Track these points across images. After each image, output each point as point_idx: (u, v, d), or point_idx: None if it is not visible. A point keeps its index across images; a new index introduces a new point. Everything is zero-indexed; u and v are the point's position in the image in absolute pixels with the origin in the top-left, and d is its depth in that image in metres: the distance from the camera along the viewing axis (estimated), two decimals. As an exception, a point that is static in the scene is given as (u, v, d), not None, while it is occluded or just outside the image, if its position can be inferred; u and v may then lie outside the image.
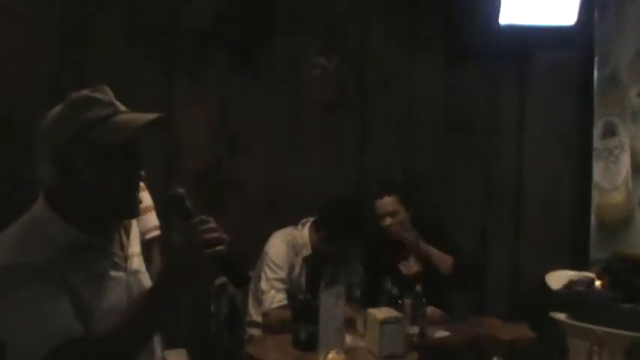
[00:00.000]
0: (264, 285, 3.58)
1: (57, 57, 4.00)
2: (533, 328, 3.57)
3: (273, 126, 4.34)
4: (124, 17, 4.08)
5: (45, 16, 3.98)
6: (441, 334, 3.47)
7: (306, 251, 3.70)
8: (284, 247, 3.65)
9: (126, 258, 1.88)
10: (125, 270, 1.85)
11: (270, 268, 3.60)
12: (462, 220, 4.48)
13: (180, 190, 1.77)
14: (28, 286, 1.62)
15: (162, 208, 2.64)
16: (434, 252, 3.87)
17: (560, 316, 3.86)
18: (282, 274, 3.60)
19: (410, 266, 3.98)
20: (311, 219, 3.77)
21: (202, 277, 1.71)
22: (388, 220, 3.88)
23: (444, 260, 3.86)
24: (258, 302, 3.63)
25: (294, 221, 3.81)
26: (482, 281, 4.57)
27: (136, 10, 4.10)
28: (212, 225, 1.67)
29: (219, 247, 1.65)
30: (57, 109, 1.78)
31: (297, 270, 3.67)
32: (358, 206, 3.81)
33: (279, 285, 3.57)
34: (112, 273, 1.81)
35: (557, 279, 4.07)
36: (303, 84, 4.36)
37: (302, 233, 3.74)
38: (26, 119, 3.83)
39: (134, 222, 1.97)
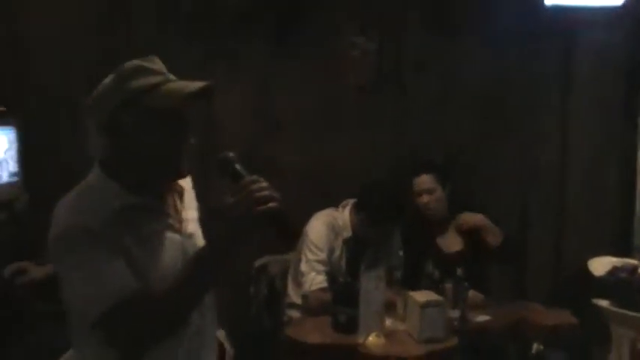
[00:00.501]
0: (304, 267, 3.56)
1: (93, 38, 4.04)
2: (576, 314, 3.52)
3: (311, 106, 4.33)
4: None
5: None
6: (482, 318, 3.43)
7: (347, 233, 3.67)
8: (324, 228, 3.62)
9: (180, 221, 1.95)
10: (180, 232, 1.93)
11: (311, 250, 3.57)
12: (501, 203, 4.42)
13: (231, 154, 1.81)
14: (85, 249, 1.71)
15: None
16: (487, 221, 3.83)
17: (603, 302, 3.83)
18: (323, 255, 3.57)
19: (449, 244, 3.94)
20: (351, 201, 3.74)
21: (253, 236, 1.73)
22: (425, 198, 3.84)
23: (495, 232, 3.80)
24: (298, 284, 3.62)
25: (331, 202, 3.78)
26: (522, 265, 4.51)
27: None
28: (263, 184, 1.71)
29: (270, 204, 1.68)
30: (108, 78, 1.85)
31: (337, 252, 3.64)
32: (399, 190, 3.77)
33: (319, 267, 3.55)
34: (167, 234, 1.89)
35: (600, 265, 4.03)
36: (341, 65, 4.32)
37: (342, 215, 3.71)
38: (65, 98, 3.98)
39: (189, 188, 2.04)
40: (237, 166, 1.79)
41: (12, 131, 3.73)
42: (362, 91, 4.38)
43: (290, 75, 4.29)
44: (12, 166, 3.71)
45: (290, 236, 1.82)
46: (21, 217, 3.70)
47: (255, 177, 1.73)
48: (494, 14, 4.34)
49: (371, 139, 4.39)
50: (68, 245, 1.74)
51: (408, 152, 4.42)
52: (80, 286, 1.73)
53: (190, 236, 1.95)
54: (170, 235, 1.89)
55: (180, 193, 1.99)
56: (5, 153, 3.65)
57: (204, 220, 2.06)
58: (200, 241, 1.98)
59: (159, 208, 1.91)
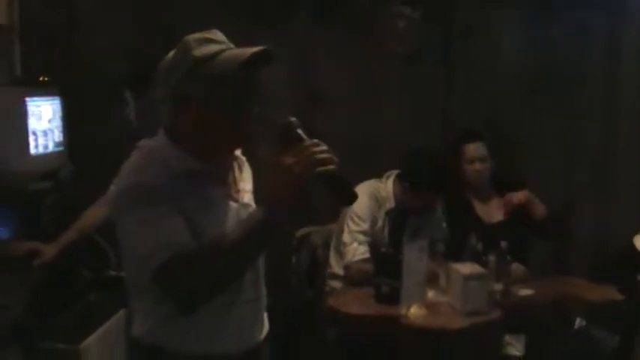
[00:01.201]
0: (346, 237, 3.55)
1: (141, 12, 4.09)
2: (621, 291, 3.48)
3: (355, 78, 4.31)
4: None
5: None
6: (525, 292, 3.41)
7: (389, 204, 3.65)
8: (367, 199, 3.60)
9: (238, 191, 2.00)
10: (237, 201, 1.97)
11: (353, 221, 3.56)
12: (546, 177, 4.37)
13: (293, 119, 1.84)
14: (146, 205, 1.77)
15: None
16: (531, 196, 3.83)
17: (649, 280, 3.76)
18: (365, 226, 3.56)
19: (491, 214, 3.92)
20: (395, 172, 3.71)
21: (309, 199, 1.75)
22: (478, 165, 3.84)
23: (539, 205, 3.82)
24: (340, 255, 3.61)
25: (376, 174, 3.76)
26: (567, 240, 4.46)
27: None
28: (324, 147, 1.75)
29: (329, 166, 1.72)
30: (174, 49, 1.91)
31: (379, 223, 3.62)
32: (442, 157, 3.75)
33: (362, 238, 3.54)
34: (226, 201, 1.94)
35: (646, 241, 3.96)
36: (386, 35, 4.28)
37: (386, 186, 3.69)
38: (111, 70, 4.02)
39: (246, 162, 2.09)
40: (299, 131, 1.81)
41: (57, 101, 3.76)
42: (407, 62, 4.33)
43: (335, 45, 4.26)
44: (57, 135, 3.74)
45: (349, 198, 1.82)
46: (65, 186, 3.74)
47: (316, 140, 1.76)
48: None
49: (415, 111, 4.34)
50: (130, 200, 1.80)
51: (453, 123, 4.39)
52: (139, 239, 1.78)
53: (246, 206, 1.98)
54: (228, 202, 1.94)
55: (241, 164, 2.05)
56: (50, 122, 3.68)
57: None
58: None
59: (219, 176, 1.95)
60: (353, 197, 1.81)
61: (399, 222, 3.66)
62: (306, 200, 1.75)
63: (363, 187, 3.64)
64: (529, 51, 4.41)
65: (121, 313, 3.23)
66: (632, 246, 3.98)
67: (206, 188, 1.88)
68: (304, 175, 1.70)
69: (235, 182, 2.00)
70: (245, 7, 4.21)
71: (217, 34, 1.92)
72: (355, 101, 4.32)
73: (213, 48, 1.86)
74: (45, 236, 3.33)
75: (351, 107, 4.32)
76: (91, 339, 3.06)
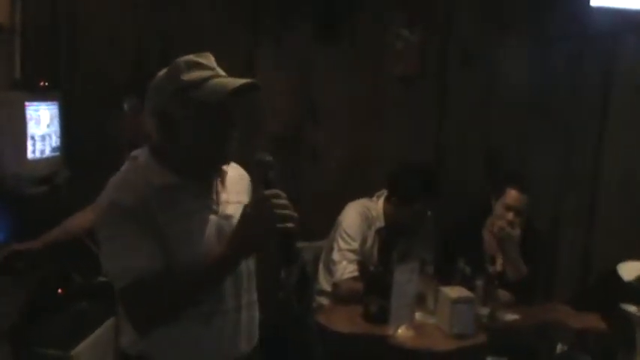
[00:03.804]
0: (336, 255, 3.59)
1: (143, 20, 4.10)
2: (604, 319, 3.53)
3: (353, 95, 4.34)
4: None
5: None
6: (511, 317, 3.45)
7: (379, 223, 3.69)
8: (358, 218, 3.65)
9: (219, 203, 2.03)
10: (216, 213, 2.01)
11: (343, 239, 3.60)
12: (536, 202, 4.42)
13: (269, 158, 1.90)
14: (118, 225, 1.86)
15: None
16: (514, 255, 3.73)
17: (631, 308, 3.82)
18: (355, 245, 3.60)
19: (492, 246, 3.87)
20: (386, 191, 3.75)
21: (264, 248, 1.89)
22: (511, 216, 3.72)
23: (518, 268, 3.72)
24: (329, 272, 3.65)
25: (370, 191, 3.81)
26: (552, 266, 4.51)
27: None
28: (284, 201, 1.81)
29: (288, 224, 1.78)
30: (164, 70, 1.98)
31: (369, 242, 3.66)
32: (429, 169, 3.80)
33: (351, 256, 3.57)
34: (203, 214, 1.99)
35: (630, 269, 4.02)
36: (385, 55, 4.33)
37: (376, 205, 3.73)
38: (112, 77, 4.04)
39: (238, 173, 2.17)
40: (271, 173, 1.87)
41: (55, 106, 3.78)
42: (405, 83, 4.37)
43: (334, 63, 4.30)
44: (54, 140, 3.77)
45: (292, 261, 1.87)
46: (61, 191, 3.77)
47: (278, 191, 1.82)
48: (541, 13, 4.32)
49: (410, 132, 4.38)
50: (106, 219, 1.89)
51: (448, 146, 4.44)
52: (109, 259, 1.89)
53: (228, 218, 2.01)
54: (206, 215, 1.99)
55: (223, 177, 2.07)
56: (48, 127, 3.70)
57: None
58: None
59: (199, 190, 2.00)
60: (296, 260, 1.87)
61: (389, 241, 3.70)
62: (263, 246, 1.86)
63: (354, 206, 3.69)
64: (525, 77, 4.46)
65: (112, 320, 3.25)
66: (616, 273, 4.04)
67: (185, 202, 1.94)
68: (261, 229, 1.80)
69: (217, 194, 2.04)
70: (246, 18, 4.24)
71: (209, 59, 1.98)
72: (352, 117, 4.36)
73: (202, 74, 1.92)
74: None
75: (348, 124, 4.36)
76: (82, 345, 3.08)
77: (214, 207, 2.02)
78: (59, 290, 3.34)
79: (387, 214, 3.71)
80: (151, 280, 1.81)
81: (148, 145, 2.01)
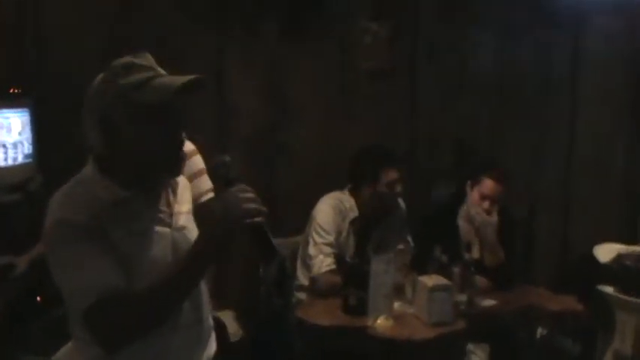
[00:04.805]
0: (312, 250, 3.60)
1: (111, 24, 4.09)
2: (581, 300, 3.56)
3: (323, 91, 4.36)
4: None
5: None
6: (489, 302, 3.47)
7: (354, 214, 3.70)
8: (331, 211, 3.65)
9: (172, 215, 1.95)
10: (170, 226, 1.94)
11: (318, 233, 3.61)
12: (511, 188, 4.45)
13: (226, 158, 1.83)
14: (73, 244, 1.74)
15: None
16: (492, 241, 3.74)
17: (608, 289, 3.87)
18: (330, 238, 3.60)
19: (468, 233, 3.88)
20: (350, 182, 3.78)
21: (235, 245, 1.77)
22: (487, 204, 3.73)
23: (496, 255, 3.74)
24: (307, 267, 3.65)
25: (342, 185, 3.82)
26: (529, 250, 4.56)
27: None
28: (251, 195, 1.74)
29: (256, 219, 1.72)
30: (102, 74, 1.87)
31: (344, 234, 3.67)
32: (380, 144, 3.82)
33: (327, 249, 3.58)
34: (157, 228, 1.90)
35: (606, 252, 4.07)
36: (354, 50, 4.35)
37: (349, 196, 3.74)
38: (81, 82, 4.02)
39: (182, 182, 2.05)
40: (231, 172, 1.81)
41: (27, 113, 3.77)
42: (375, 77, 4.40)
43: (303, 60, 4.32)
44: (26, 147, 3.75)
45: (270, 255, 1.80)
46: (34, 198, 3.75)
47: (243, 186, 1.76)
48: (507, 3, 4.36)
49: (382, 125, 4.41)
50: (58, 238, 1.77)
51: (420, 138, 4.46)
52: (67, 280, 1.77)
53: (181, 229, 1.97)
54: (160, 228, 1.91)
55: (174, 187, 2.00)
56: (20, 134, 3.69)
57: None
58: (192, 234, 1.99)
59: (150, 203, 1.91)
60: (274, 254, 1.79)
61: (364, 232, 3.72)
62: (232, 244, 1.76)
63: (327, 199, 3.70)
64: (494, 67, 4.50)
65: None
66: (592, 256, 4.08)
67: (136, 217, 1.85)
68: (230, 226, 1.72)
69: (169, 206, 1.96)
70: (212, 20, 4.23)
71: (147, 58, 1.87)
72: (323, 114, 4.38)
73: (142, 75, 1.81)
74: (15, 248, 3.34)
75: (319, 119, 4.38)
76: (62, 351, 3.06)
77: (167, 219, 1.94)
78: (38, 298, 3.33)
79: (359, 203, 3.72)
80: (116, 296, 1.71)
81: (92, 157, 1.88)
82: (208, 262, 1.78)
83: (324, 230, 3.62)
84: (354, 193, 3.73)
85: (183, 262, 1.77)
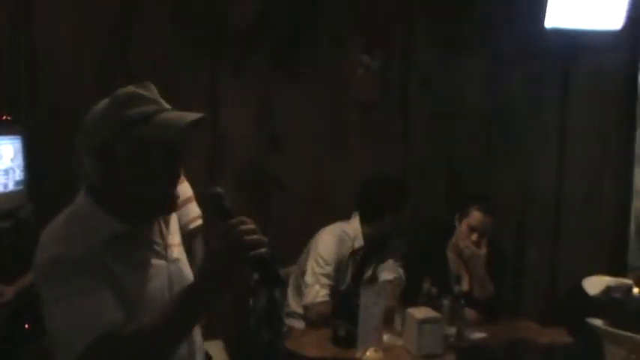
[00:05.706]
0: (309, 278, 3.60)
1: (105, 52, 4.11)
2: (570, 333, 3.57)
3: (316, 123, 4.36)
4: (171, 14, 4.18)
5: (94, 11, 4.08)
6: (478, 335, 3.48)
7: (359, 242, 3.71)
8: (334, 242, 3.66)
9: (166, 247, 1.92)
10: (166, 258, 1.90)
11: (318, 263, 3.61)
12: (498, 220, 4.47)
13: (219, 190, 1.76)
14: (70, 279, 1.67)
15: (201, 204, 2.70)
16: (481, 274, 3.77)
17: (597, 322, 3.88)
18: (329, 269, 3.61)
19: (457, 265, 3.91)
20: (358, 212, 3.79)
21: (239, 278, 1.72)
22: (475, 237, 3.76)
23: (485, 287, 3.77)
24: (299, 294, 3.66)
25: (334, 219, 3.82)
26: (518, 282, 4.57)
27: (183, 7, 4.17)
28: (251, 226, 1.66)
29: (260, 250, 1.64)
30: (102, 104, 1.82)
31: (343, 265, 3.69)
32: (395, 180, 3.87)
33: (325, 280, 3.58)
34: (154, 261, 1.86)
35: (595, 284, 4.09)
36: (346, 82, 4.37)
37: (353, 224, 3.75)
38: (74, 110, 4.03)
39: (174, 214, 2.00)
40: (225, 203, 1.73)
41: (18, 140, 3.77)
42: (367, 109, 4.42)
43: (295, 91, 4.32)
44: (18, 174, 3.75)
45: (277, 282, 1.75)
46: (25, 225, 3.73)
47: (243, 218, 1.67)
48: (498, 35, 4.41)
49: (375, 157, 4.42)
50: (54, 275, 1.69)
51: (413, 170, 4.48)
52: (64, 317, 1.68)
53: (175, 262, 1.94)
54: (156, 261, 1.87)
55: (166, 219, 1.96)
56: (12, 161, 3.69)
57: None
58: (185, 265, 1.98)
59: (146, 236, 1.88)
60: (281, 281, 1.76)
61: (362, 263, 3.74)
62: (237, 279, 1.70)
63: (331, 230, 3.71)
64: (487, 98, 4.54)
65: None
66: (581, 289, 4.09)
67: (133, 251, 1.81)
68: (231, 261, 1.65)
69: (163, 238, 1.93)
70: (207, 50, 4.26)
71: (150, 89, 1.83)
72: (315, 146, 4.38)
73: (147, 109, 1.77)
74: (3, 277, 3.33)
75: (312, 152, 4.38)
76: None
77: (162, 252, 1.90)
78: (26, 325, 3.31)
79: (365, 233, 3.73)
80: (116, 334, 1.64)
81: (86, 187, 1.82)
82: (211, 296, 1.69)
83: (325, 261, 3.62)
84: (363, 221, 3.74)
85: (186, 297, 1.70)
